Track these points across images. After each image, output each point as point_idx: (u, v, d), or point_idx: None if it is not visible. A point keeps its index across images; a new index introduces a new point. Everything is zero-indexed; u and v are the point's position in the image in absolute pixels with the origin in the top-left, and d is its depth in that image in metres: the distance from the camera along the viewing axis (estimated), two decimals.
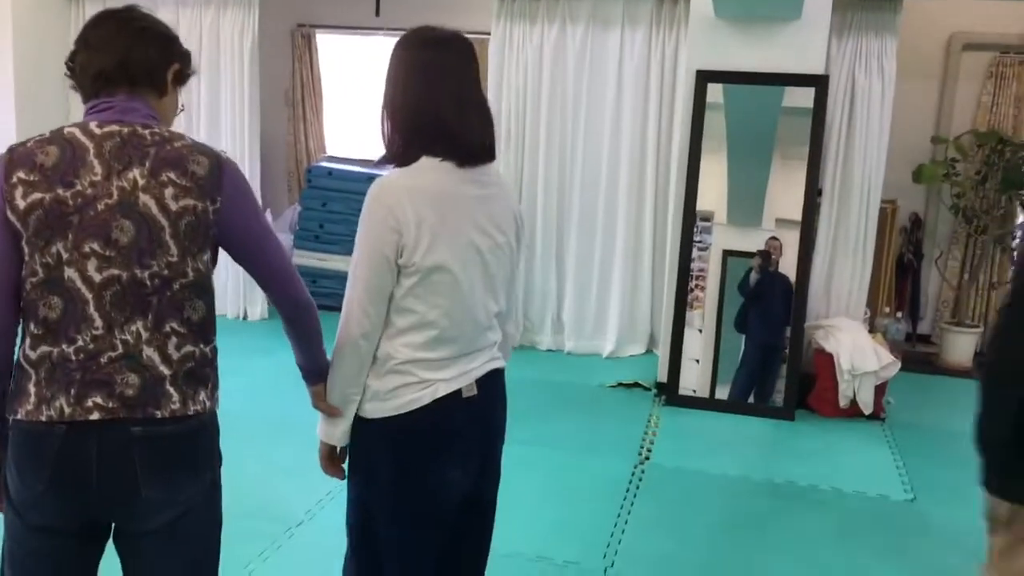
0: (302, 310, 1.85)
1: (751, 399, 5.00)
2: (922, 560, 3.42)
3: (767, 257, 4.97)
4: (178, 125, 6.72)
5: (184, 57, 1.84)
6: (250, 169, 6.16)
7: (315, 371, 1.94)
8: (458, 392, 1.93)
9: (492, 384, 2.02)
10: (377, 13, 6.75)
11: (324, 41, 7.60)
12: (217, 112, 6.13)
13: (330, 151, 7.63)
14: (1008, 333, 1.72)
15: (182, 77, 1.84)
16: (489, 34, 5.77)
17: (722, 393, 5.04)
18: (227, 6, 6.01)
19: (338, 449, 2.00)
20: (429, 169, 1.87)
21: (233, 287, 6.24)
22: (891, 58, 5.02)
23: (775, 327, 4.98)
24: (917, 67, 6.02)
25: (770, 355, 5.01)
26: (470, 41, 1.98)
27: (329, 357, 1.95)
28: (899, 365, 4.90)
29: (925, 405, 5.22)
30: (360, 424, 1.94)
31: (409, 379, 1.89)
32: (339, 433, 1.95)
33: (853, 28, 5.04)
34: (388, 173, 1.89)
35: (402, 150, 1.90)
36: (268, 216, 7.42)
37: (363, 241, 1.86)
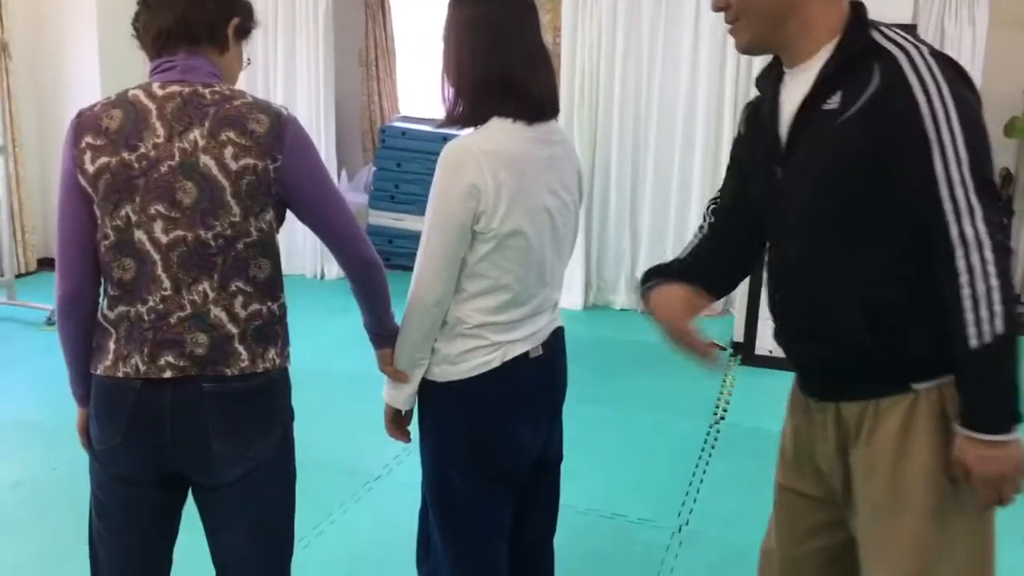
0: (369, 269, 1.84)
1: None
2: None
3: None
4: (256, 88, 6.85)
5: (245, 9, 1.82)
6: (325, 129, 6.24)
7: (382, 334, 1.94)
8: (526, 354, 1.93)
9: (556, 343, 2.03)
10: None
11: (397, 1, 7.61)
12: (293, 73, 6.21)
13: (404, 111, 7.67)
14: None
15: (243, 31, 1.82)
16: None
17: None
18: None
19: (403, 412, 2.01)
20: (500, 130, 1.84)
21: (311, 247, 6.34)
22: (983, 6, 4.82)
23: None
24: (1011, 15, 5.74)
25: None
26: None
27: (398, 321, 1.94)
28: None
29: None
30: (430, 387, 1.94)
31: (479, 342, 1.89)
32: (404, 397, 1.96)
33: None
34: (461, 136, 1.85)
35: (470, 111, 1.86)
36: (344, 176, 7.54)
37: (438, 207, 1.82)
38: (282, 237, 1.83)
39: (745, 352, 5.00)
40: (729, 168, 1.90)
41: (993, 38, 5.04)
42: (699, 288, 1.83)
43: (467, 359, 1.90)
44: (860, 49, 1.52)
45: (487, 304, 1.89)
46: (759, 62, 1.75)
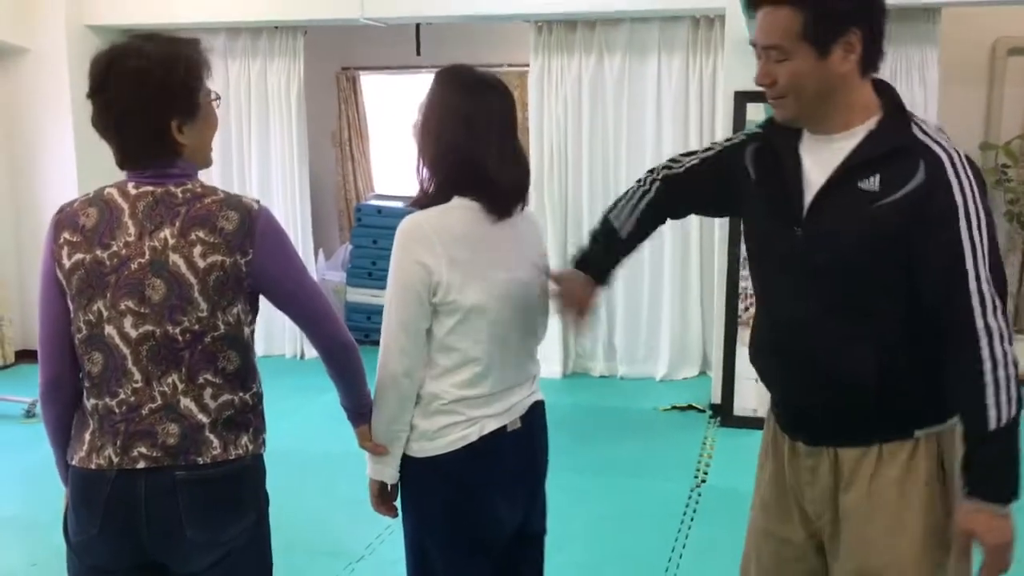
0: (342, 350, 1.89)
1: None
2: None
3: None
4: (231, 172, 6.94)
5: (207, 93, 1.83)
6: (301, 210, 6.32)
7: (358, 411, 1.97)
8: (503, 427, 1.96)
9: (535, 416, 2.06)
10: (418, 52, 6.90)
11: (368, 82, 7.78)
12: (267, 156, 6.30)
13: (378, 189, 7.78)
14: None
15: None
16: (528, 67, 5.86)
17: None
18: (273, 55, 6.19)
19: (389, 487, 2.02)
20: (458, 208, 1.89)
21: (290, 327, 6.34)
22: (932, 68, 4.99)
23: None
24: (963, 74, 5.95)
25: None
26: (507, 86, 2.00)
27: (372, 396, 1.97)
28: None
29: None
30: (409, 463, 1.97)
31: (456, 417, 1.92)
32: (388, 471, 1.97)
33: (892, 41, 4.99)
34: (418, 211, 1.91)
35: (436, 191, 1.92)
36: (321, 255, 7.58)
37: (395, 278, 1.88)
38: (261, 319, 1.88)
39: (723, 413, 5.03)
40: (705, 160, 2.00)
41: (947, 97, 5.21)
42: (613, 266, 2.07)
43: (445, 434, 1.92)
44: (907, 144, 1.67)
45: (460, 378, 1.92)
46: (721, 128, 1.87)
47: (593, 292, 2.04)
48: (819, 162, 1.74)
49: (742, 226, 1.99)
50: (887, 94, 1.75)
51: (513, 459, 2.01)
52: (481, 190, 1.90)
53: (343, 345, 1.89)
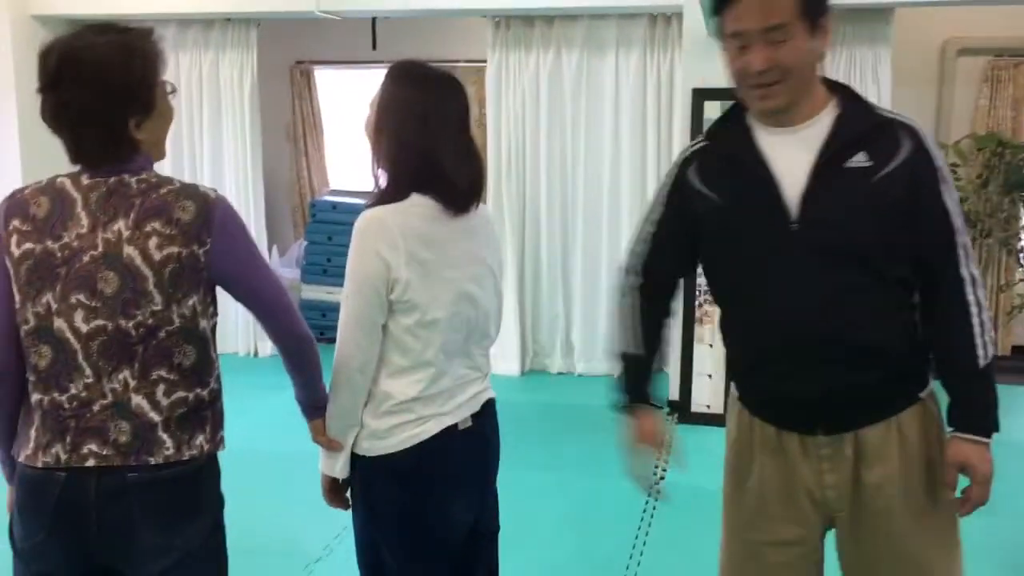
0: (300, 343, 1.86)
1: None
2: None
3: None
4: (182, 168, 6.80)
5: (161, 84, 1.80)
6: (255, 206, 6.22)
7: (313, 405, 1.95)
8: (455, 425, 1.95)
9: (486, 414, 2.05)
10: (374, 47, 6.82)
11: (323, 76, 7.68)
12: (220, 152, 6.19)
13: (333, 185, 7.69)
14: None
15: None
16: (485, 63, 5.83)
17: None
18: (226, 48, 6.08)
19: (340, 481, 2.01)
20: (418, 206, 1.88)
21: (243, 325, 6.27)
22: (885, 67, 5.06)
23: None
24: (913, 74, 6.05)
25: None
26: (460, 82, 1.98)
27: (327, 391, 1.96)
28: None
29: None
30: (359, 461, 1.95)
31: (407, 416, 1.91)
32: (339, 466, 1.96)
33: (846, 40, 5.08)
34: (376, 208, 1.88)
35: (396, 192, 1.89)
36: (275, 251, 7.48)
37: (353, 272, 1.86)
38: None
39: (681, 410, 5.05)
40: (660, 221, 1.95)
41: (898, 97, 5.29)
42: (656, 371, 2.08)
43: (395, 433, 1.91)
44: (882, 120, 1.77)
45: (413, 378, 1.91)
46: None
47: (657, 419, 2.09)
48: (786, 155, 1.76)
49: (703, 251, 1.94)
50: (835, 82, 1.83)
51: (464, 457, 2.00)
52: (438, 187, 1.89)
53: (301, 338, 1.86)
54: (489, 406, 2.07)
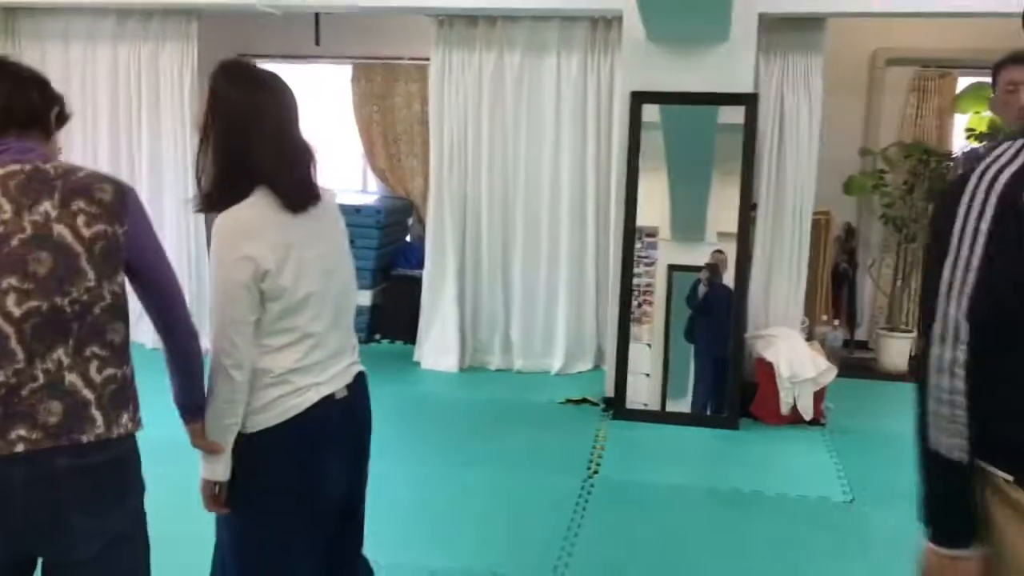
0: (190, 337, 1.91)
1: (709, 411, 5.12)
2: (862, 560, 3.55)
3: (714, 270, 5.10)
4: (121, 160, 6.67)
5: (61, 100, 1.90)
6: (196, 214, 6.14)
7: (192, 407, 1.96)
8: (332, 395, 2.03)
9: (359, 386, 2.14)
10: (317, 42, 6.80)
11: None
12: (159, 146, 6.11)
13: None
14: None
15: (62, 118, 1.91)
16: (429, 60, 5.87)
17: (673, 406, 5.15)
18: (166, 39, 6.02)
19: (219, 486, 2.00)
20: (263, 198, 1.93)
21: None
22: (817, 75, 5.21)
23: (724, 339, 5.11)
24: (844, 83, 6.24)
25: (721, 366, 5.13)
26: (284, 82, 2.01)
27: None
28: (835, 371, 5.06)
29: (863, 409, 5.39)
30: (242, 441, 1.97)
31: (286, 388, 1.97)
32: (222, 469, 1.97)
33: (780, 48, 5.23)
34: (228, 210, 1.92)
35: (219, 198, 1.93)
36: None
37: (221, 276, 1.90)
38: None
39: (616, 406, 5.15)
40: (991, 263, 1.44)
41: (830, 104, 5.45)
42: None
43: (275, 406, 1.97)
44: None
45: (290, 354, 1.97)
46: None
47: (976, 562, 1.52)
48: None
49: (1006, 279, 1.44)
50: None
51: (341, 426, 2.07)
52: (266, 187, 1.93)
53: (192, 333, 1.92)
54: (360, 378, 2.15)
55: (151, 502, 1.91)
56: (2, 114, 1.78)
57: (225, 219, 1.91)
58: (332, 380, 2.04)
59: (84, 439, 1.71)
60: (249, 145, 1.91)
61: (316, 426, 1.99)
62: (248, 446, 1.98)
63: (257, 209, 1.92)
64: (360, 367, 2.16)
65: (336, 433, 2.05)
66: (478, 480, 4.17)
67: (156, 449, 2.05)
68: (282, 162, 1.95)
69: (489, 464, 4.37)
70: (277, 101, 1.96)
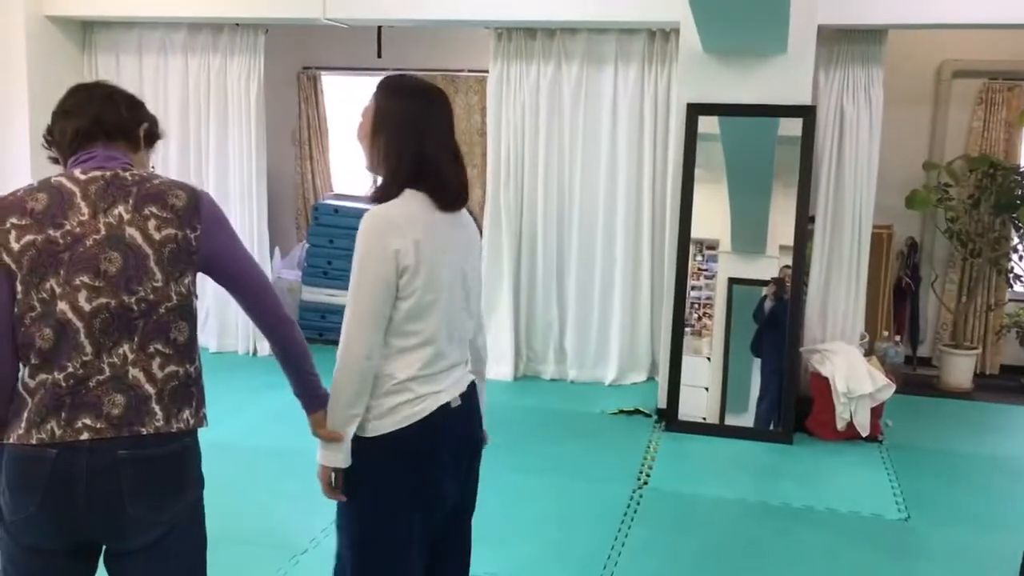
0: (283, 323, 2.00)
1: (772, 426, 5.05)
2: None
3: (781, 284, 5.05)
4: (188, 169, 6.87)
5: (152, 118, 2.02)
6: (258, 208, 6.32)
7: (312, 397, 2.05)
8: (448, 403, 2.08)
9: (471, 394, 2.20)
10: (379, 55, 6.94)
11: (329, 82, 7.80)
12: (226, 154, 6.30)
13: (337, 189, 7.80)
14: None
15: (152, 136, 2.02)
16: (487, 72, 5.94)
17: (733, 420, 5.11)
18: (234, 52, 6.20)
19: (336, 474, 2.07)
20: (413, 199, 2.03)
21: (243, 324, 6.35)
22: (878, 87, 5.14)
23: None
24: (908, 94, 6.15)
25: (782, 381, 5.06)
26: (445, 93, 2.16)
27: (326, 386, 2.04)
28: (894, 387, 4.97)
29: (923, 427, 5.28)
30: (362, 444, 2.04)
31: (408, 395, 2.03)
32: (341, 457, 2.03)
33: (839, 60, 5.18)
34: (379, 205, 2.02)
35: (389, 186, 2.04)
36: (277, 253, 7.55)
37: (363, 269, 1.98)
38: (215, 314, 1.95)
39: (668, 418, 5.14)
40: None
41: (893, 117, 5.37)
42: None
43: (397, 412, 2.02)
44: None
45: (414, 358, 2.03)
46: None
47: None
48: None
49: None
50: None
51: (456, 434, 2.13)
52: (431, 185, 2.04)
53: (284, 318, 2.00)
54: (473, 387, 2.22)
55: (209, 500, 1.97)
56: (92, 125, 1.91)
57: (374, 216, 2.00)
58: (449, 389, 2.10)
59: (143, 431, 1.79)
60: (428, 145, 2.04)
61: (432, 432, 2.05)
62: (366, 450, 2.04)
63: (407, 207, 2.02)
64: (472, 376, 2.23)
65: (451, 440, 2.11)
66: (527, 487, 4.19)
67: (209, 449, 2.11)
68: (450, 161, 2.08)
69: (540, 471, 4.40)
70: (442, 107, 2.11)
